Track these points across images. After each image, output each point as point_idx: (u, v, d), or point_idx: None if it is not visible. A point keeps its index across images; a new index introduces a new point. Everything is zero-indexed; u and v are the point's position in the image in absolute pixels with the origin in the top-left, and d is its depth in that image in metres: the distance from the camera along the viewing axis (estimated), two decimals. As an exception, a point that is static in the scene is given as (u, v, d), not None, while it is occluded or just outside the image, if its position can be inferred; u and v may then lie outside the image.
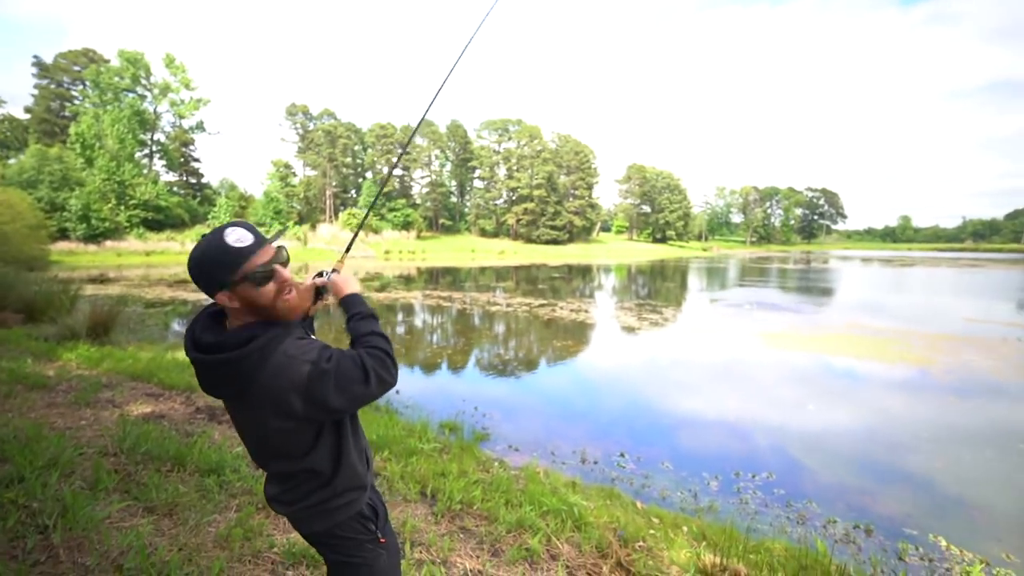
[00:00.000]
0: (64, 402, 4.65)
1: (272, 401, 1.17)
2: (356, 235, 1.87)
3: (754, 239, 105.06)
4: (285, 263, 1.26)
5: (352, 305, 1.43)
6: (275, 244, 1.24)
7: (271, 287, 1.20)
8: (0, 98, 51.10)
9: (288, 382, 1.15)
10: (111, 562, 2.28)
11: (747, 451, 5.28)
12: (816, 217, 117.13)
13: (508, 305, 16.52)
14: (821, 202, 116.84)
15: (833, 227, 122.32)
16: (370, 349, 1.29)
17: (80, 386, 5.16)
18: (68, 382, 5.34)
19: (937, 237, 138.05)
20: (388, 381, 1.26)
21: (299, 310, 1.30)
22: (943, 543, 3.63)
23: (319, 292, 1.44)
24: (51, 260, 28.44)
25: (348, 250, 1.67)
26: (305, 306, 1.34)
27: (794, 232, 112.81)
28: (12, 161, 42.27)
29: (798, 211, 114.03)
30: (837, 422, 6.18)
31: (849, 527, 3.81)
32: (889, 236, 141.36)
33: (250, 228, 1.21)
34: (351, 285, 1.47)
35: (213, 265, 1.16)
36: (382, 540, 1.41)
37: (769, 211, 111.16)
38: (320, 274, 1.46)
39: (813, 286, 25.01)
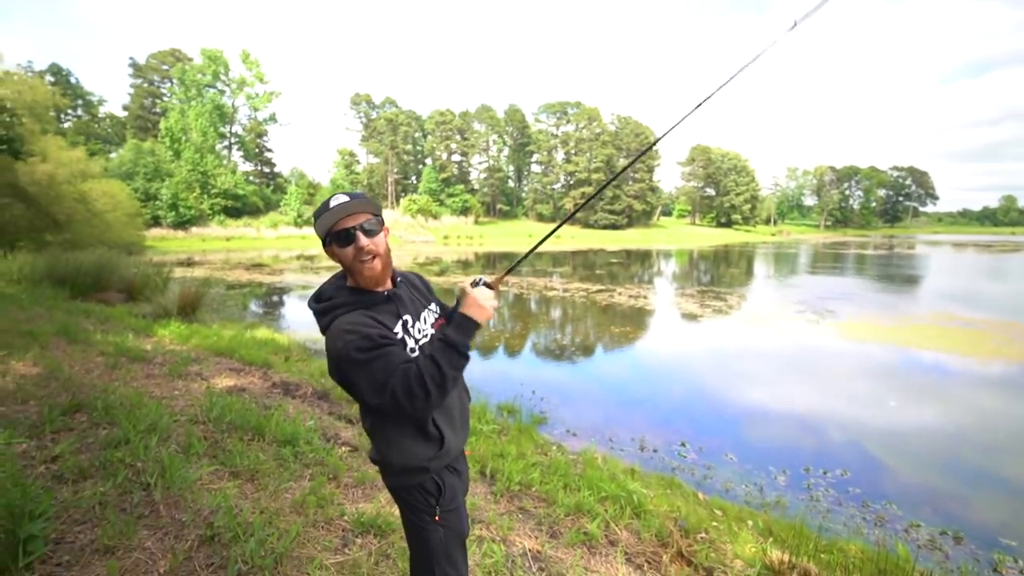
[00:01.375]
0: (160, 374, 5.12)
1: (327, 358, 1.32)
2: (525, 257, 1.75)
3: (829, 223, 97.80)
4: (370, 233, 1.35)
5: (458, 326, 1.36)
6: (370, 215, 1.36)
7: (350, 250, 1.33)
8: (102, 97, 56.25)
9: (330, 348, 1.30)
10: (203, 519, 2.50)
11: (819, 446, 4.99)
12: (901, 199, 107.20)
13: (565, 290, 16.41)
14: (908, 182, 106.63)
15: (921, 209, 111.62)
16: (413, 370, 1.26)
17: (173, 360, 5.67)
18: (163, 356, 5.88)
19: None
20: (404, 407, 1.25)
21: (381, 281, 1.40)
22: (1047, 556, 3.28)
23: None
24: (146, 245, 31.28)
25: (511, 271, 1.58)
26: (375, 277, 1.38)
27: (875, 215, 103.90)
28: (113, 155, 46.61)
29: (881, 192, 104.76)
30: (922, 420, 5.70)
31: (935, 533, 3.53)
32: (988, 219, 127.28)
33: (357, 196, 1.35)
34: (476, 310, 1.38)
35: (318, 223, 1.33)
36: (437, 518, 1.43)
37: (847, 192, 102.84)
38: (476, 282, 1.47)
39: (895, 273, 23.04)
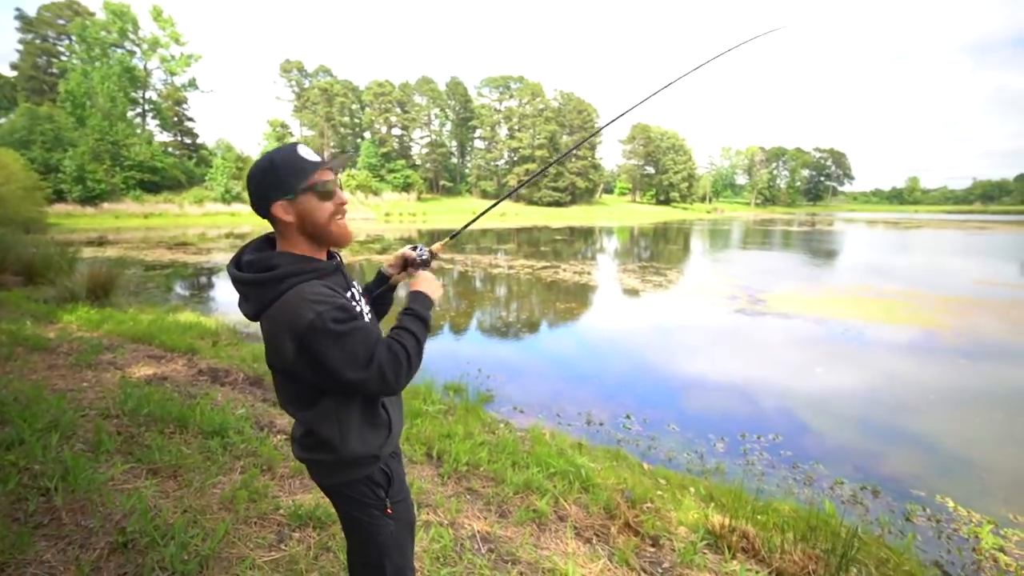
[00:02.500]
0: (65, 364, 4.61)
1: (272, 334, 1.17)
2: (468, 225, 1.80)
3: (759, 201, 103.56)
4: (340, 188, 1.28)
5: (416, 300, 1.37)
6: (341, 163, 1.31)
7: (329, 205, 1.22)
8: (-15, 54, 49.33)
9: (287, 321, 1.13)
10: (114, 524, 2.24)
11: (753, 413, 5.26)
12: (823, 178, 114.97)
13: (510, 267, 16.39)
14: (828, 163, 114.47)
15: (840, 188, 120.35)
16: (395, 344, 1.22)
17: (81, 348, 5.12)
18: (69, 344, 5.30)
19: (945, 199, 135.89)
20: (390, 381, 1.18)
21: (349, 238, 1.29)
22: (951, 504, 3.62)
23: (407, 263, 1.53)
24: (49, 223, 28.19)
25: (455, 236, 1.58)
26: (348, 235, 1.29)
27: (800, 194, 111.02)
28: (2, 121, 41.32)
29: (804, 172, 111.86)
30: (844, 384, 6.16)
31: (856, 488, 3.81)
32: (896, 198, 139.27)
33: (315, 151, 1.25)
34: (431, 286, 1.41)
35: (286, 170, 1.17)
36: (388, 511, 1.35)
37: (775, 172, 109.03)
38: (415, 248, 1.49)
39: (817, 248, 24.76)
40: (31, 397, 3.52)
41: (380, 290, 1.57)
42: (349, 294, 1.29)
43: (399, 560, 1.40)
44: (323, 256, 1.28)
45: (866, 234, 36.93)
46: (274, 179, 1.17)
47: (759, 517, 2.93)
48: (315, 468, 1.34)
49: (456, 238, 1.68)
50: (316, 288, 1.16)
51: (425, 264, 1.55)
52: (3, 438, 2.86)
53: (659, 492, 3.28)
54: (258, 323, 1.22)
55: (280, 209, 1.18)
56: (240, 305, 1.24)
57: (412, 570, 1.47)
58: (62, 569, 1.97)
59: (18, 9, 49.37)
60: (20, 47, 48.67)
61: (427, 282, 1.41)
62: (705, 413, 5.29)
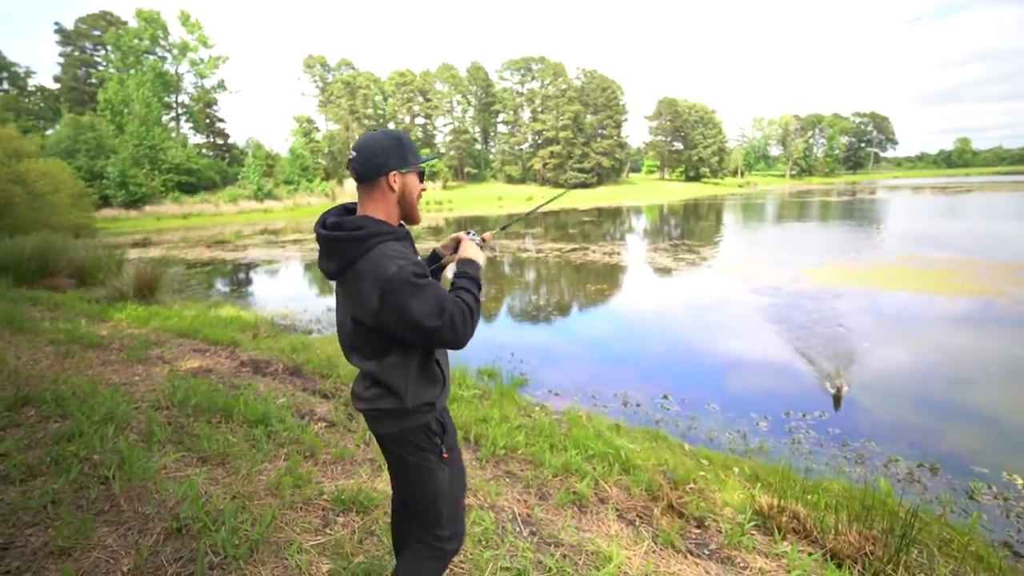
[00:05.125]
0: (117, 359, 4.82)
1: (358, 286, 1.31)
2: (521, 218, 2.01)
3: (795, 172, 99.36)
4: None
5: (466, 265, 1.50)
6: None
7: (421, 186, 1.47)
8: (30, 69, 51.67)
9: (373, 273, 1.28)
10: (168, 510, 2.33)
11: (797, 390, 5.08)
12: (863, 145, 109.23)
13: (539, 251, 16.28)
14: (869, 128, 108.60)
15: (882, 155, 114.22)
16: (459, 300, 1.35)
17: (131, 344, 5.34)
18: (120, 340, 5.54)
19: (1000, 159, 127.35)
20: (459, 332, 1.32)
21: (420, 219, 1.50)
22: (1019, 481, 3.41)
23: (459, 246, 1.62)
24: (97, 227, 29.53)
25: (506, 227, 1.79)
26: (419, 216, 1.50)
27: (838, 163, 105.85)
28: (49, 132, 43.31)
29: (843, 139, 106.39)
30: (894, 358, 5.87)
31: (913, 466, 3.63)
32: (945, 161, 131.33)
33: None
34: (476, 251, 1.55)
35: (409, 148, 1.41)
36: (445, 455, 1.48)
37: (811, 141, 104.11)
38: (468, 232, 1.64)
39: (859, 219, 23.65)
40: (88, 391, 3.69)
41: (431, 268, 1.67)
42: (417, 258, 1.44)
43: (453, 507, 1.53)
44: (395, 222, 1.46)
45: (911, 201, 35.05)
46: (399, 152, 1.38)
47: (809, 497, 2.83)
48: (378, 417, 1.43)
49: (506, 229, 1.83)
50: (396, 247, 1.34)
51: (482, 245, 1.67)
52: (65, 431, 3.01)
53: (701, 473, 3.20)
54: (326, 295, 1.32)
55: (393, 177, 1.38)
56: (321, 263, 1.41)
57: (463, 523, 1.59)
58: (123, 553, 2.06)
59: (57, 23, 51.26)
60: (61, 60, 50.77)
61: (472, 248, 1.55)
62: (746, 391, 5.14)
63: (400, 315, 1.27)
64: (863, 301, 8.42)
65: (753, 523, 2.54)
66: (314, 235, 1.39)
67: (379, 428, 1.46)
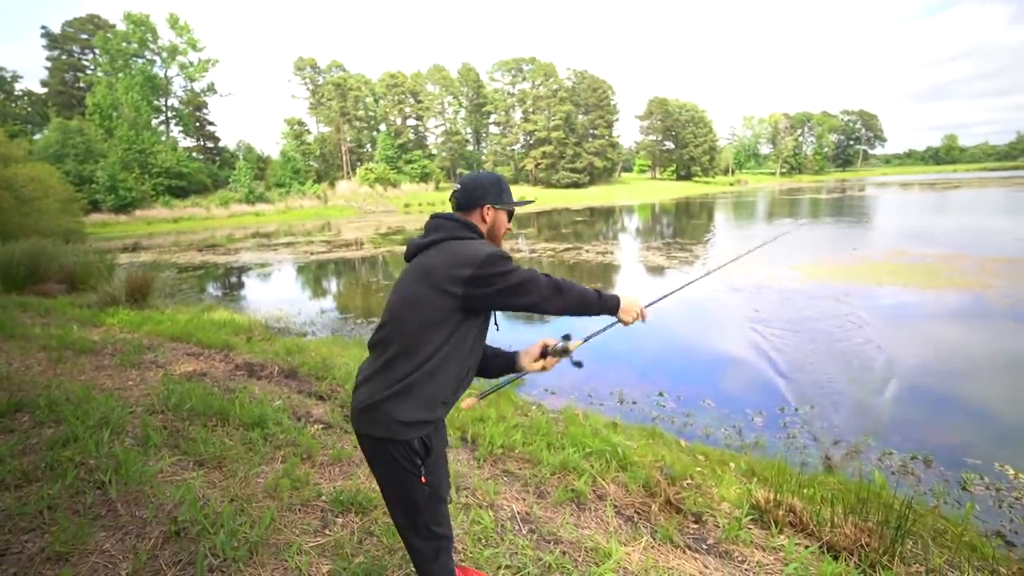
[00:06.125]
0: (111, 364, 4.78)
1: (448, 261, 1.43)
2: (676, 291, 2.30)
3: (785, 170, 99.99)
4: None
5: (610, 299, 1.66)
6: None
7: (508, 224, 1.68)
8: (17, 73, 51.06)
9: (470, 254, 1.43)
10: (166, 514, 2.32)
11: (791, 386, 5.12)
12: (852, 143, 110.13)
13: (532, 251, 16.30)
14: (857, 125, 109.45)
15: (871, 152, 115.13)
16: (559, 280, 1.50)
17: (124, 349, 5.30)
18: (113, 345, 5.49)
19: (987, 155, 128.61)
20: (552, 290, 1.47)
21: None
22: (1011, 472, 3.46)
23: (545, 353, 1.74)
24: (86, 232, 29.22)
25: (592, 336, 1.88)
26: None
27: (828, 160, 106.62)
28: (37, 137, 42.81)
29: (832, 137, 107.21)
30: (886, 353, 5.93)
31: (907, 459, 3.68)
32: (933, 158, 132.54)
33: None
34: (632, 305, 1.71)
35: (505, 188, 1.64)
36: (423, 480, 1.46)
37: (801, 139, 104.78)
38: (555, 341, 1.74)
39: (848, 214, 23.88)
40: (82, 397, 3.66)
41: (499, 362, 1.81)
42: None
43: (430, 520, 1.53)
44: None
45: (900, 197, 35.42)
46: (496, 189, 1.60)
47: (805, 491, 2.86)
48: (369, 411, 1.43)
49: (600, 335, 1.89)
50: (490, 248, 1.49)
51: (564, 352, 1.72)
52: (59, 436, 2.98)
53: (698, 469, 3.23)
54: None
55: (487, 210, 1.59)
56: (417, 240, 1.58)
57: (447, 524, 1.60)
58: (121, 558, 2.04)
59: (44, 27, 50.65)
60: (48, 64, 50.21)
61: (630, 303, 1.66)
62: (741, 388, 5.18)
63: (498, 282, 1.45)
64: (853, 296, 8.50)
65: (750, 517, 2.57)
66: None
67: (366, 426, 1.50)
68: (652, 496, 2.75)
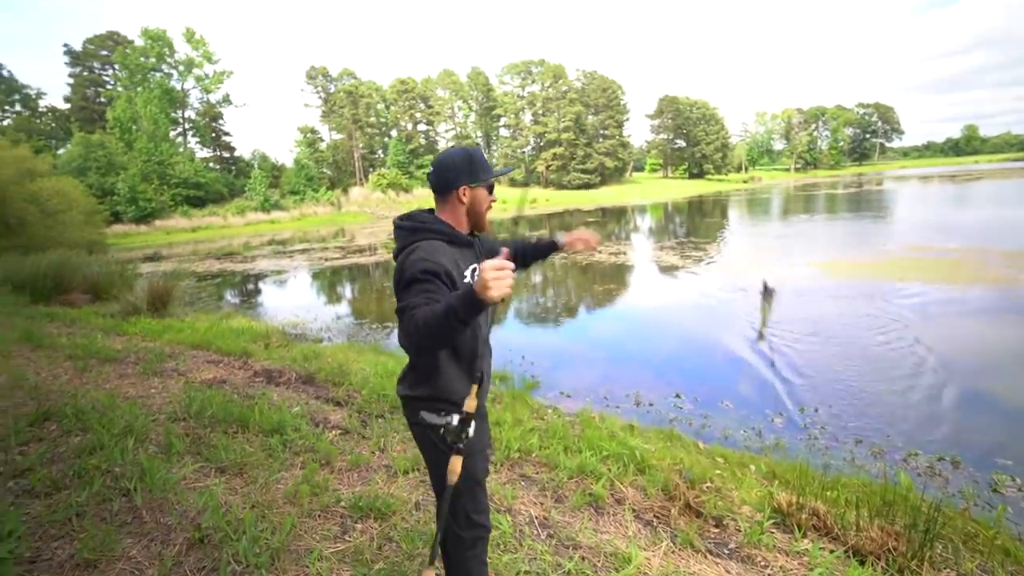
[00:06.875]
0: (134, 373, 4.88)
1: (398, 271, 1.44)
2: None
3: (799, 166, 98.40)
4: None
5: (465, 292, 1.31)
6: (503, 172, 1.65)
7: (489, 198, 1.60)
8: (41, 90, 52.57)
9: (405, 260, 1.44)
10: (190, 521, 2.36)
11: (811, 385, 5.03)
12: (868, 136, 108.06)
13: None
14: (874, 119, 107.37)
15: (888, 145, 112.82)
16: (420, 311, 1.29)
17: (146, 357, 5.41)
18: (135, 354, 5.61)
19: (1009, 145, 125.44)
20: (403, 337, 1.33)
21: (486, 226, 1.63)
22: (1043, 472, 3.36)
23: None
24: (108, 243, 29.93)
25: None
26: (487, 224, 1.64)
27: (844, 154, 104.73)
28: (61, 151, 43.99)
29: (848, 131, 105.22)
30: (909, 350, 5.80)
31: (933, 460, 3.59)
32: (953, 149, 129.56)
33: None
34: (482, 282, 1.19)
35: (479, 164, 1.55)
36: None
37: (815, 134, 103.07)
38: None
39: (866, 210, 23.43)
40: (106, 405, 3.74)
41: (539, 248, 1.96)
42: (472, 268, 1.53)
43: (470, 504, 1.59)
44: (464, 231, 1.59)
45: (920, 191, 34.67)
46: (469, 168, 1.53)
47: (828, 493, 2.80)
48: (407, 403, 1.57)
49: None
50: (436, 246, 1.45)
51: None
52: (86, 444, 3.06)
53: (718, 471, 3.18)
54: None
55: (463, 191, 1.53)
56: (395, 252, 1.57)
57: (486, 514, 1.65)
58: (147, 564, 2.09)
59: (66, 45, 52.06)
60: (71, 80, 51.59)
61: (483, 274, 1.18)
62: (760, 388, 5.09)
63: (398, 299, 1.40)
64: (874, 292, 8.33)
65: (772, 521, 2.53)
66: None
67: (407, 413, 1.59)
68: (671, 500, 2.72)
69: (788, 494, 2.71)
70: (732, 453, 3.67)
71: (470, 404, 1.39)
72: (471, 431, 1.41)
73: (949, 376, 5.04)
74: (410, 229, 1.52)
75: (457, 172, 1.52)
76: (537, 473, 3.01)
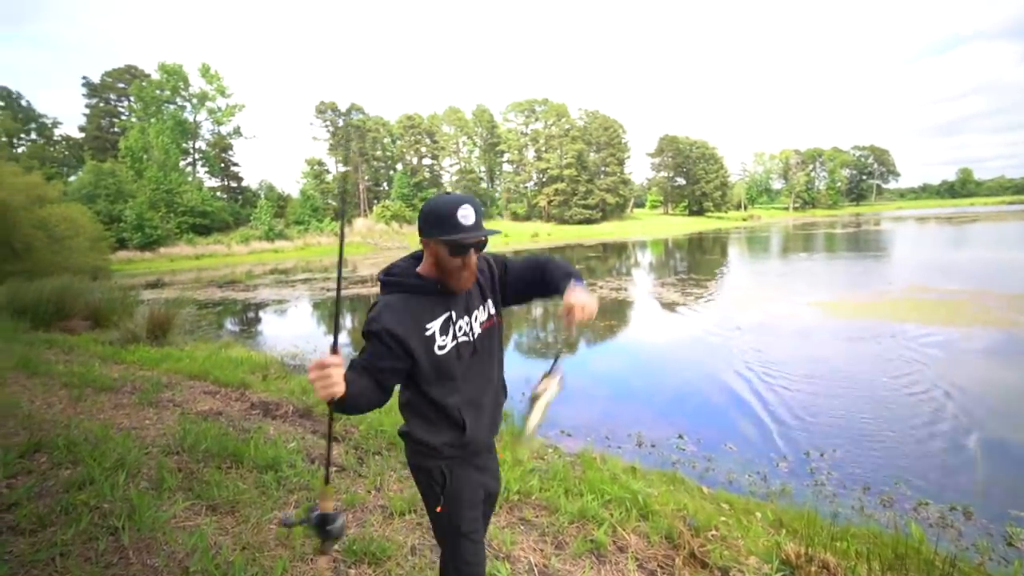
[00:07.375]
0: (129, 403, 4.81)
1: None
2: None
3: (797, 205, 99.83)
4: (480, 248, 1.47)
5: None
6: (482, 235, 1.42)
7: (458, 261, 1.41)
8: (57, 119, 53.97)
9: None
10: (178, 563, 2.28)
11: (816, 429, 4.95)
12: (865, 177, 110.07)
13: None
14: (870, 160, 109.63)
15: (884, 186, 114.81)
16: (353, 373, 1.39)
17: (143, 387, 5.34)
18: (132, 383, 5.54)
19: (1004, 189, 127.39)
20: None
21: (461, 290, 1.49)
22: (1059, 525, 3.26)
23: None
24: (112, 269, 30.09)
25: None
26: (463, 288, 1.49)
27: (841, 195, 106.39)
28: (72, 179, 44.81)
29: (844, 172, 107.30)
30: (913, 395, 5.73)
31: (944, 510, 3.48)
32: (948, 191, 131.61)
33: (478, 211, 1.42)
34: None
35: (434, 219, 1.40)
36: (439, 508, 1.53)
37: (812, 174, 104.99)
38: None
39: (865, 249, 23.60)
40: (99, 436, 3.67)
41: (547, 283, 1.64)
42: (444, 316, 1.47)
43: (456, 556, 1.54)
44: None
45: (917, 232, 34.99)
46: (423, 221, 1.44)
47: (837, 544, 2.71)
48: (404, 445, 1.59)
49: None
50: (394, 301, 1.45)
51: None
52: (76, 478, 2.98)
53: (723, 518, 3.09)
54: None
55: (431, 244, 1.44)
56: None
57: (477, 566, 1.56)
58: (131, 610, 2.00)
59: (85, 77, 53.81)
60: (87, 111, 53.06)
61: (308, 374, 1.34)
62: (764, 430, 5.01)
63: None
64: (875, 333, 8.29)
65: (780, 573, 2.44)
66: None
67: (406, 454, 1.60)
68: (675, 548, 2.64)
69: (796, 544, 2.62)
70: (737, 499, 3.57)
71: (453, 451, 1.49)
72: (337, 527, 1.39)
73: (962, 422, 4.95)
74: (383, 283, 1.54)
75: (423, 222, 1.44)
76: (537, 517, 2.93)
